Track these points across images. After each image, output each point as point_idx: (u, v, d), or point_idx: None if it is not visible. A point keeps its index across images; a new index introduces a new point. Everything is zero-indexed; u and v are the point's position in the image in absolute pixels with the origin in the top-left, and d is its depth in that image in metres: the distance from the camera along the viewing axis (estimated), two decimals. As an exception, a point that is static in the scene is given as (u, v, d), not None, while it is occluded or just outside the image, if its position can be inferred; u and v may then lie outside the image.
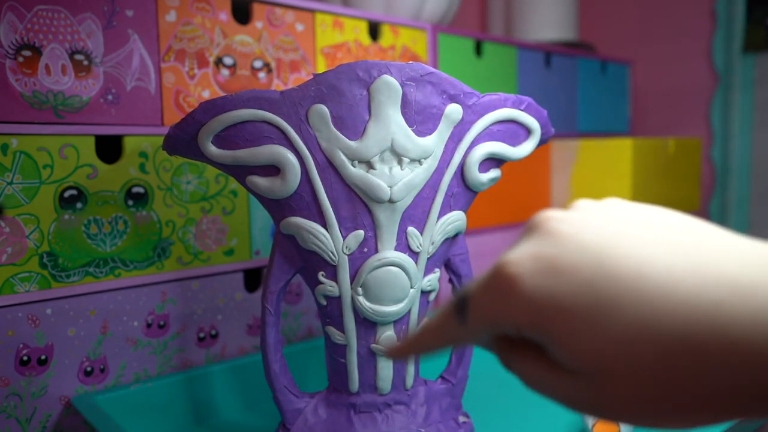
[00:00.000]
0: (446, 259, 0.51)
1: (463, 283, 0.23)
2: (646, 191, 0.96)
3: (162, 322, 0.63)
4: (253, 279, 0.70)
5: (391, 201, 0.45)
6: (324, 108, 0.43)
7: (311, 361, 0.69)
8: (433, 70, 0.44)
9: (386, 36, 0.79)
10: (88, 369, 0.58)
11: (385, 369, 0.49)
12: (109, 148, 0.60)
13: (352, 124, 0.43)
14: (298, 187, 0.44)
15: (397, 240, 0.46)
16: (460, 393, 0.54)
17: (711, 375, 0.18)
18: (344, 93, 0.43)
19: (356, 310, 0.47)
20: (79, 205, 0.57)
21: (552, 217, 0.22)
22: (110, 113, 0.58)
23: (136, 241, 0.60)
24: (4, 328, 0.53)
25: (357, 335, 0.48)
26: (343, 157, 0.44)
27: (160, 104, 0.61)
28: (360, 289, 0.46)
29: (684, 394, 0.19)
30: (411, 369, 0.50)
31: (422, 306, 0.50)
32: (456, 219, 0.48)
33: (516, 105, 0.47)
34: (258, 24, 0.67)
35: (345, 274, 0.46)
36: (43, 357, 0.55)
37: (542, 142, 0.51)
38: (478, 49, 0.93)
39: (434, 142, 0.45)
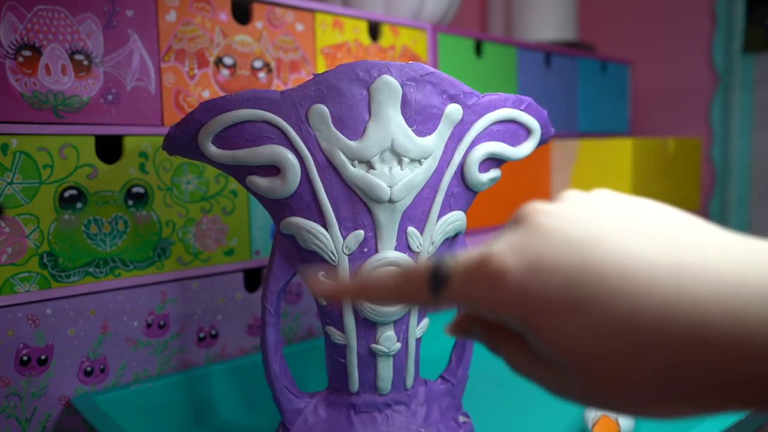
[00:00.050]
0: (446, 259, 0.51)
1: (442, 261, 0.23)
2: (646, 191, 0.96)
3: (162, 322, 0.63)
4: (253, 279, 0.70)
5: (391, 201, 0.45)
6: (324, 108, 0.43)
7: (311, 361, 0.69)
8: (433, 70, 0.44)
9: (386, 36, 0.80)
10: (88, 369, 0.58)
11: (385, 369, 0.49)
12: (109, 148, 0.60)
13: (352, 124, 0.43)
14: (298, 187, 0.44)
15: (397, 240, 0.46)
16: (460, 393, 0.54)
17: (690, 370, 0.19)
18: (344, 93, 0.43)
19: (356, 309, 0.47)
20: (79, 205, 0.57)
21: (539, 209, 0.22)
22: (110, 113, 0.58)
23: (136, 241, 0.60)
24: (4, 328, 0.53)
25: (357, 335, 0.48)
26: (343, 157, 0.44)
27: (160, 104, 0.61)
28: (360, 289, 0.46)
29: (662, 388, 0.19)
30: (411, 369, 0.50)
31: (422, 306, 0.50)
32: (456, 219, 0.48)
33: (516, 105, 0.47)
34: (258, 24, 0.67)
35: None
36: (43, 357, 0.55)
37: (542, 142, 0.51)
38: (478, 49, 0.93)
39: (434, 142, 0.45)
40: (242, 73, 0.67)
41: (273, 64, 0.69)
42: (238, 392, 0.64)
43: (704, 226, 0.21)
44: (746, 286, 0.18)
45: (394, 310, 0.47)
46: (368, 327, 0.48)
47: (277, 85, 0.70)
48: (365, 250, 0.46)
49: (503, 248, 0.21)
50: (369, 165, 0.44)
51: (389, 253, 0.46)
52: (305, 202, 0.45)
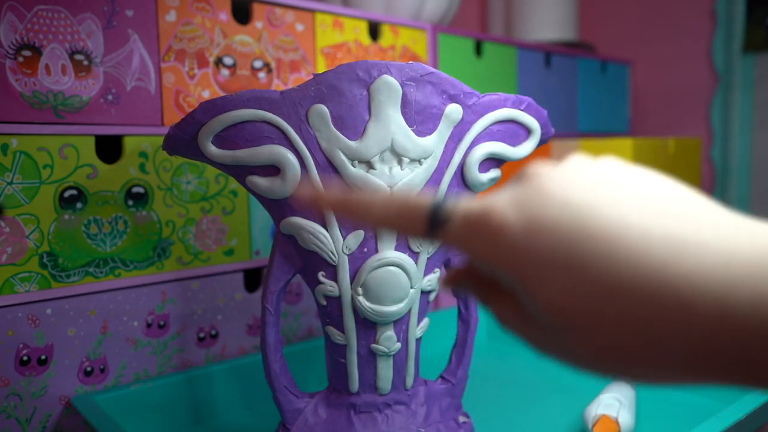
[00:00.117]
0: (446, 259, 0.51)
1: (445, 207, 0.23)
2: (646, 191, 0.96)
3: (162, 322, 0.63)
4: (253, 279, 0.70)
5: (391, 201, 0.44)
6: (324, 108, 0.43)
7: (311, 361, 0.69)
8: (433, 70, 0.44)
9: (386, 36, 0.79)
10: (88, 369, 0.58)
11: (385, 369, 0.49)
12: (109, 148, 0.60)
13: (352, 124, 0.43)
14: (298, 187, 0.44)
15: (397, 240, 0.46)
16: (460, 393, 0.54)
17: (674, 338, 0.19)
18: (344, 93, 0.43)
19: (356, 310, 0.47)
20: (79, 205, 0.57)
21: (543, 171, 0.23)
22: (110, 113, 0.58)
23: (136, 241, 0.60)
24: (4, 328, 0.53)
25: (357, 335, 0.48)
26: (343, 157, 0.44)
27: (160, 104, 0.61)
28: (360, 289, 0.46)
29: (645, 353, 0.20)
30: (411, 369, 0.50)
31: (422, 306, 0.50)
32: (456, 219, 0.48)
33: (516, 105, 0.47)
34: (258, 24, 0.67)
35: (345, 274, 0.46)
36: (43, 357, 0.55)
37: (542, 142, 0.51)
38: (478, 49, 0.93)
39: (434, 142, 0.45)
40: (242, 73, 0.67)
41: (273, 64, 0.69)
42: (238, 392, 0.64)
43: (703, 202, 0.21)
44: (735, 261, 0.19)
45: (394, 310, 0.47)
46: (368, 327, 0.48)
47: (277, 85, 0.70)
48: (365, 250, 0.46)
49: (505, 204, 0.22)
50: (369, 165, 0.44)
51: (389, 253, 0.46)
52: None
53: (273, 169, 0.44)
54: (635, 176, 0.22)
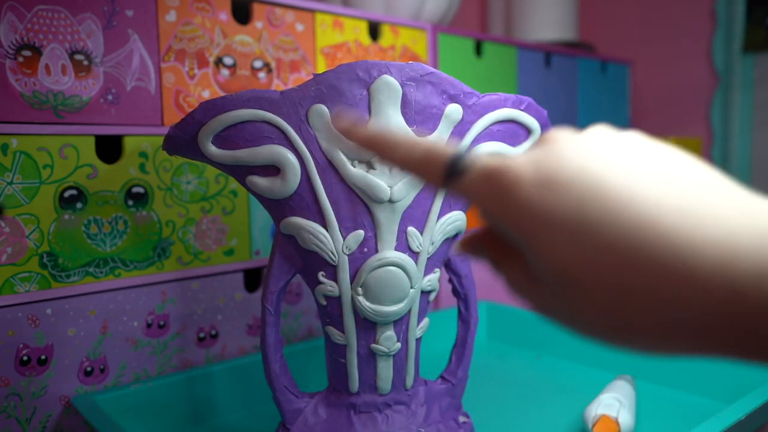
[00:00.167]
0: (446, 259, 0.51)
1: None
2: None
3: (162, 322, 0.63)
4: (253, 279, 0.70)
5: (391, 201, 0.45)
6: (324, 108, 0.43)
7: (311, 361, 0.69)
8: (433, 70, 0.44)
9: (386, 36, 0.79)
10: (88, 369, 0.58)
11: (385, 369, 0.49)
12: (109, 148, 0.60)
13: (352, 124, 0.43)
14: (298, 187, 0.44)
15: (397, 240, 0.46)
16: (460, 393, 0.54)
17: (676, 306, 0.20)
18: (344, 93, 0.43)
19: (356, 310, 0.47)
20: (79, 205, 0.57)
21: (565, 138, 0.23)
22: (110, 113, 0.58)
23: (136, 241, 0.60)
24: (4, 328, 0.53)
25: (357, 335, 0.48)
26: (343, 157, 0.44)
27: (160, 104, 0.61)
28: (360, 289, 0.46)
29: (647, 319, 0.20)
30: (411, 369, 0.50)
31: (422, 306, 0.50)
32: (456, 219, 0.48)
33: (516, 105, 0.47)
34: (258, 24, 0.67)
35: (345, 274, 0.46)
36: (43, 357, 0.55)
37: (542, 142, 0.50)
38: (478, 49, 0.93)
39: (434, 142, 0.45)
40: (242, 73, 0.67)
41: (273, 64, 0.69)
42: (238, 392, 0.64)
43: (717, 178, 0.22)
44: (742, 234, 0.19)
45: (394, 310, 0.47)
46: (368, 327, 0.48)
47: (277, 85, 0.70)
48: (365, 250, 0.46)
49: (523, 162, 0.22)
50: (369, 165, 0.44)
51: (389, 253, 0.46)
52: (305, 202, 0.45)
53: (273, 169, 0.44)
54: (654, 151, 0.22)
